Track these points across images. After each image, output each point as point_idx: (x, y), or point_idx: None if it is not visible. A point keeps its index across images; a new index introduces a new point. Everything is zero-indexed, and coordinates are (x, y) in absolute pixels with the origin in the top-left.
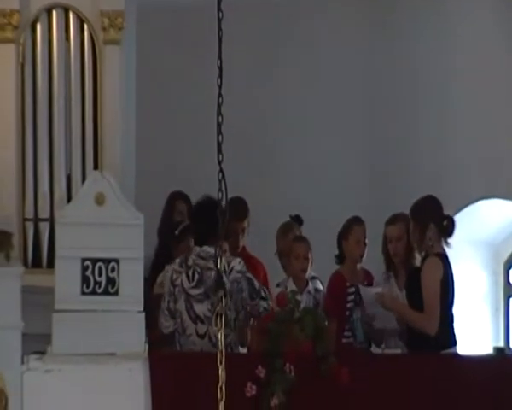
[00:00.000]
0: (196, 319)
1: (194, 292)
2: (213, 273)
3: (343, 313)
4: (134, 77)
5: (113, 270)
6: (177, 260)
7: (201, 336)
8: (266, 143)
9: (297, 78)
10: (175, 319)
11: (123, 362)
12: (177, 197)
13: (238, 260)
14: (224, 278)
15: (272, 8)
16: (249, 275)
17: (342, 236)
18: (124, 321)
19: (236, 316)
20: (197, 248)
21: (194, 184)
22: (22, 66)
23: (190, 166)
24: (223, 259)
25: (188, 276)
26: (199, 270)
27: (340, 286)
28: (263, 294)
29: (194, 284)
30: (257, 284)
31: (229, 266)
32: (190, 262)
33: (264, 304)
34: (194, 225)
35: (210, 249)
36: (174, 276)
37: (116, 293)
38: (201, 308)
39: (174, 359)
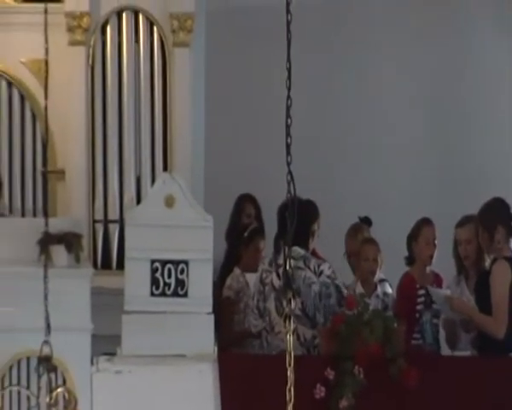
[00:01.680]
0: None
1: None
2: (304, 274)
3: (412, 315)
4: (203, 79)
5: (182, 271)
6: (267, 260)
7: None
8: (335, 145)
9: (364, 80)
10: (263, 318)
11: (192, 364)
12: (245, 200)
13: (328, 264)
14: (314, 279)
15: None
16: (338, 282)
17: (412, 237)
18: (193, 323)
19: (325, 321)
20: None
21: (262, 186)
22: (92, 68)
23: (259, 168)
24: (313, 260)
25: (278, 274)
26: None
27: (410, 288)
28: None
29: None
30: (345, 292)
31: (318, 268)
32: (280, 261)
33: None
34: (280, 225)
35: (300, 250)
36: (264, 275)
37: (185, 295)
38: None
39: (243, 360)
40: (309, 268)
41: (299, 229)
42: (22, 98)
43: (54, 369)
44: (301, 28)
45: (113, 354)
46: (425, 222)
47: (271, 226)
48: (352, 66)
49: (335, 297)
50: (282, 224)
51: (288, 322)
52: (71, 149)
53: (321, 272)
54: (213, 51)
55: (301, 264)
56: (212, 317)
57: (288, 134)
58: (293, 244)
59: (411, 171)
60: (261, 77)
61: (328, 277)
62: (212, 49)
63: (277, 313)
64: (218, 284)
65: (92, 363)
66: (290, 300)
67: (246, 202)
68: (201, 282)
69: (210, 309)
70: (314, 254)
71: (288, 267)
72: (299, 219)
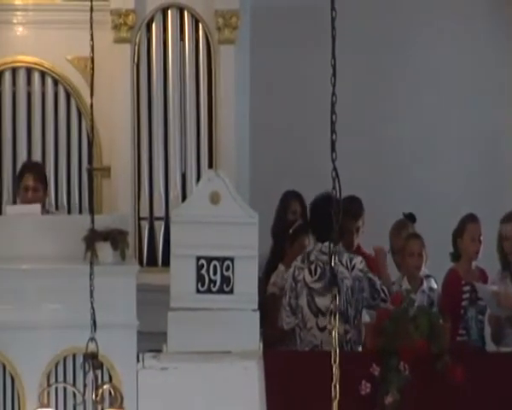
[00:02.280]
0: (317, 312)
1: (315, 286)
2: (336, 268)
3: (457, 311)
4: (248, 76)
5: (227, 268)
6: (299, 257)
7: (322, 330)
8: (380, 141)
9: (415, 78)
10: (296, 315)
11: (238, 360)
12: (290, 197)
13: (360, 258)
14: (346, 274)
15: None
16: (371, 275)
17: (457, 234)
18: (239, 319)
19: (356, 314)
20: (319, 245)
21: (308, 182)
22: (137, 66)
23: (304, 165)
24: (345, 255)
25: (310, 270)
26: (321, 264)
27: (456, 284)
28: (383, 295)
29: (316, 277)
30: (378, 285)
31: (351, 262)
32: (313, 258)
33: (383, 305)
34: (313, 222)
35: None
36: (296, 272)
37: (231, 291)
38: (323, 302)
39: (289, 357)
40: (341, 263)
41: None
42: (68, 96)
43: (100, 366)
44: (343, 25)
45: (158, 350)
46: (470, 218)
47: None
48: (397, 61)
49: (368, 291)
50: (315, 219)
51: (333, 319)
52: (116, 147)
53: (353, 267)
54: (258, 48)
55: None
56: (257, 313)
57: (333, 131)
58: (325, 240)
59: (456, 166)
60: (306, 74)
61: (361, 270)
62: (257, 46)
63: (309, 310)
64: (264, 280)
65: (138, 360)
66: (336, 296)
67: (291, 199)
68: (247, 279)
69: (255, 306)
70: (358, 250)
71: (332, 264)
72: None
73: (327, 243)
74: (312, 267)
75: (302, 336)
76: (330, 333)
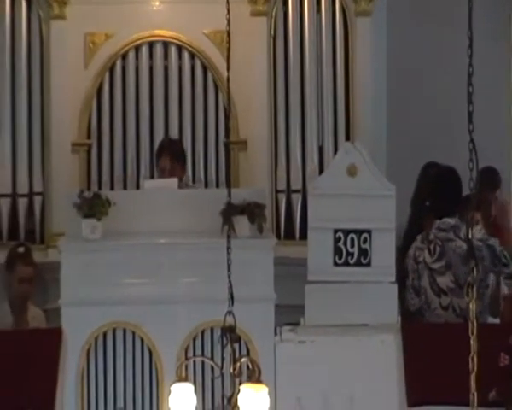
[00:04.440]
0: (440, 291)
1: (435, 266)
2: (454, 244)
3: None
4: (385, 49)
5: (365, 241)
6: (419, 237)
7: (445, 308)
8: None
9: None
10: (420, 296)
11: (375, 334)
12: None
13: (478, 228)
14: (464, 247)
15: None
16: (490, 242)
17: None
18: (376, 292)
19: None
20: (437, 222)
21: (444, 153)
22: (274, 38)
23: (441, 137)
24: (463, 228)
25: (429, 250)
26: (440, 243)
27: None
28: (504, 260)
29: (435, 257)
30: (498, 250)
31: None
32: (431, 237)
33: (506, 270)
34: (433, 197)
35: (450, 220)
36: (417, 253)
37: (368, 264)
38: (444, 280)
39: (426, 330)
40: (459, 237)
41: (449, 197)
42: (205, 69)
43: (237, 339)
44: None
45: (296, 324)
46: None
47: None
48: None
49: (489, 259)
50: (435, 193)
51: (471, 290)
52: (253, 120)
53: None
54: (395, 20)
55: (451, 235)
56: (395, 286)
57: (469, 102)
58: (443, 216)
59: None
60: (442, 45)
61: (480, 239)
62: (394, 18)
63: (432, 291)
64: (401, 252)
65: (275, 333)
66: (473, 269)
67: (432, 171)
68: (384, 251)
69: (393, 278)
70: (494, 221)
71: (469, 237)
72: (449, 187)
73: (444, 219)
74: (431, 247)
75: (427, 317)
76: (454, 310)
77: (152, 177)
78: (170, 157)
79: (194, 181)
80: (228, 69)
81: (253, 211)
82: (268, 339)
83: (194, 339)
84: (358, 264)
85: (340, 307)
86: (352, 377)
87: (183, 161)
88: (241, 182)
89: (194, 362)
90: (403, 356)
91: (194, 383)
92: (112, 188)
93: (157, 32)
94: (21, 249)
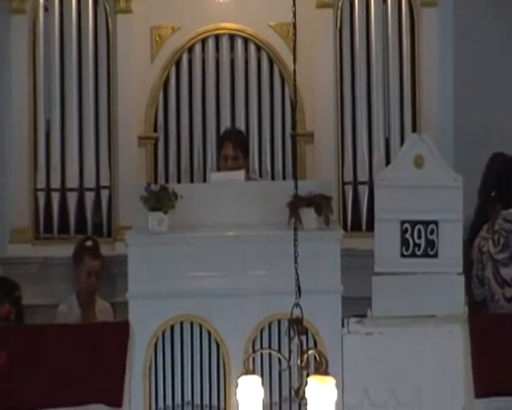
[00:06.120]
0: (503, 283)
1: (499, 256)
2: None
3: None
4: (451, 39)
5: (432, 232)
6: (485, 227)
7: (508, 300)
8: None
9: None
10: (483, 287)
11: (443, 324)
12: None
13: None
14: None
15: None
16: None
17: None
18: (443, 283)
19: None
20: (503, 212)
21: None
22: (340, 30)
23: (509, 127)
24: None
25: (494, 241)
26: (504, 234)
27: None
28: None
29: (499, 248)
30: None
31: None
32: (496, 227)
33: None
34: (500, 188)
35: None
36: (482, 243)
37: (435, 255)
38: (508, 272)
39: (494, 320)
40: None
41: None
42: (271, 62)
43: (304, 331)
44: None
45: (363, 315)
46: None
47: None
48: None
49: None
50: (488, 179)
51: None
52: (319, 112)
53: None
54: (461, 10)
55: None
56: (462, 277)
57: None
58: (509, 206)
59: None
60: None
61: None
62: (461, 7)
63: (495, 282)
64: (468, 243)
65: (343, 325)
66: None
67: (498, 161)
68: (451, 242)
69: (460, 269)
70: None
71: None
72: None
73: (510, 210)
74: (496, 238)
75: (491, 308)
76: None
77: (218, 169)
78: (233, 145)
79: (260, 174)
80: (294, 62)
81: (319, 203)
82: (335, 331)
83: (262, 331)
84: (425, 255)
85: (407, 299)
86: (420, 368)
87: (246, 151)
88: (307, 174)
89: (262, 355)
90: (470, 347)
91: (262, 376)
92: (178, 181)
93: (223, 24)
94: (89, 243)
